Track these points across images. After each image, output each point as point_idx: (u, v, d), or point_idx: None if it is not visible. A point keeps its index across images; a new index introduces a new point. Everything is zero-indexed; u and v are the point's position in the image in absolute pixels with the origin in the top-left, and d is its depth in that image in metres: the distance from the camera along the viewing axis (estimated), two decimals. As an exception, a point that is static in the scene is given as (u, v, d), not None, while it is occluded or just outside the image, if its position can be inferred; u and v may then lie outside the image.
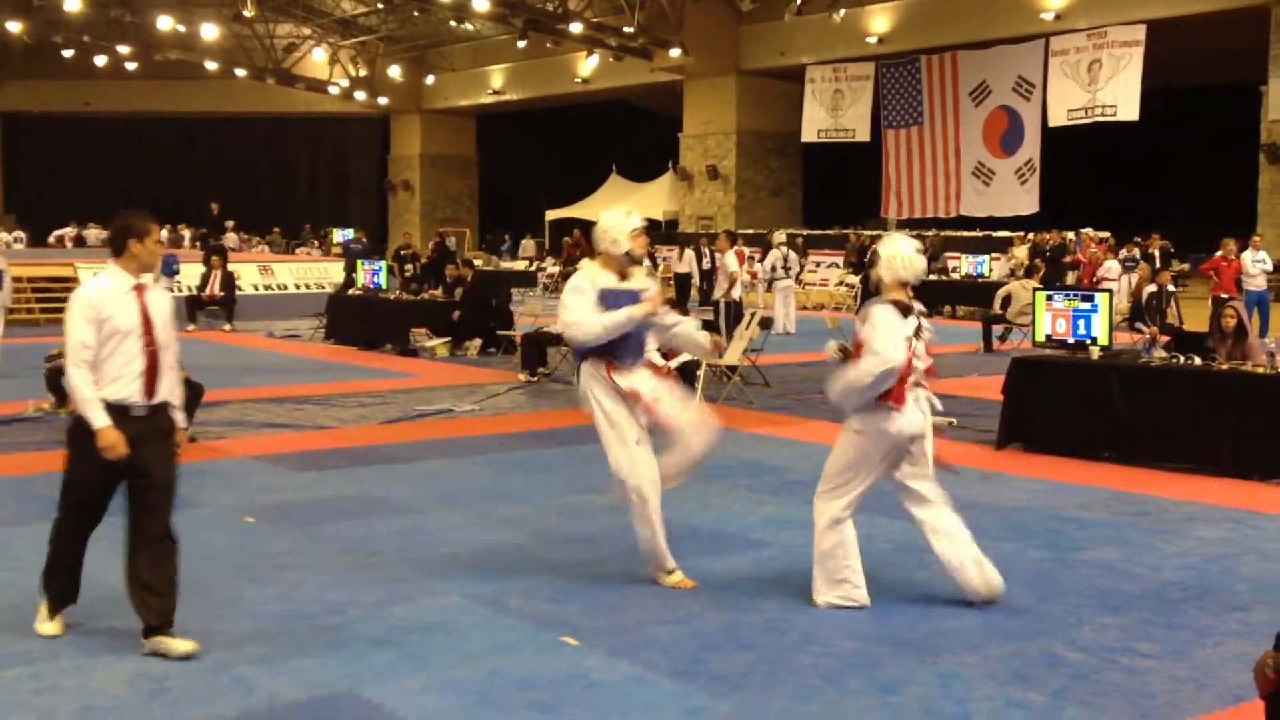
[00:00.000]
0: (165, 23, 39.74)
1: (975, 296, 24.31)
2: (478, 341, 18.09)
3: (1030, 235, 27.60)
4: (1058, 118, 27.92)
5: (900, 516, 8.02)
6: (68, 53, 41.90)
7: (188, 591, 6.26)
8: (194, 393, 10.70)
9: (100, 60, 42.20)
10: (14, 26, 38.58)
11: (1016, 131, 29.60)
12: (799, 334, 20.87)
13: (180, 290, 23.15)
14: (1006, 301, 18.75)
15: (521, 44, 35.29)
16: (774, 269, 22.34)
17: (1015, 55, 29.34)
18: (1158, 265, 21.41)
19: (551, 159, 44.49)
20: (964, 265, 27.26)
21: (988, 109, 30.31)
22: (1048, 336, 10.57)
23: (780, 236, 23.91)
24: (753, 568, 6.90)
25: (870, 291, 13.77)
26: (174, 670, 5.22)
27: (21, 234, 38.71)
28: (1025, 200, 29.59)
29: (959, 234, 30.11)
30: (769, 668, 5.33)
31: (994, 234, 29.16)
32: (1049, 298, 10.65)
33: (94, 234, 37.58)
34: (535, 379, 15.03)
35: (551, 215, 42.20)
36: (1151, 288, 16.28)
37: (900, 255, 6.29)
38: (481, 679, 5.18)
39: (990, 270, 25.88)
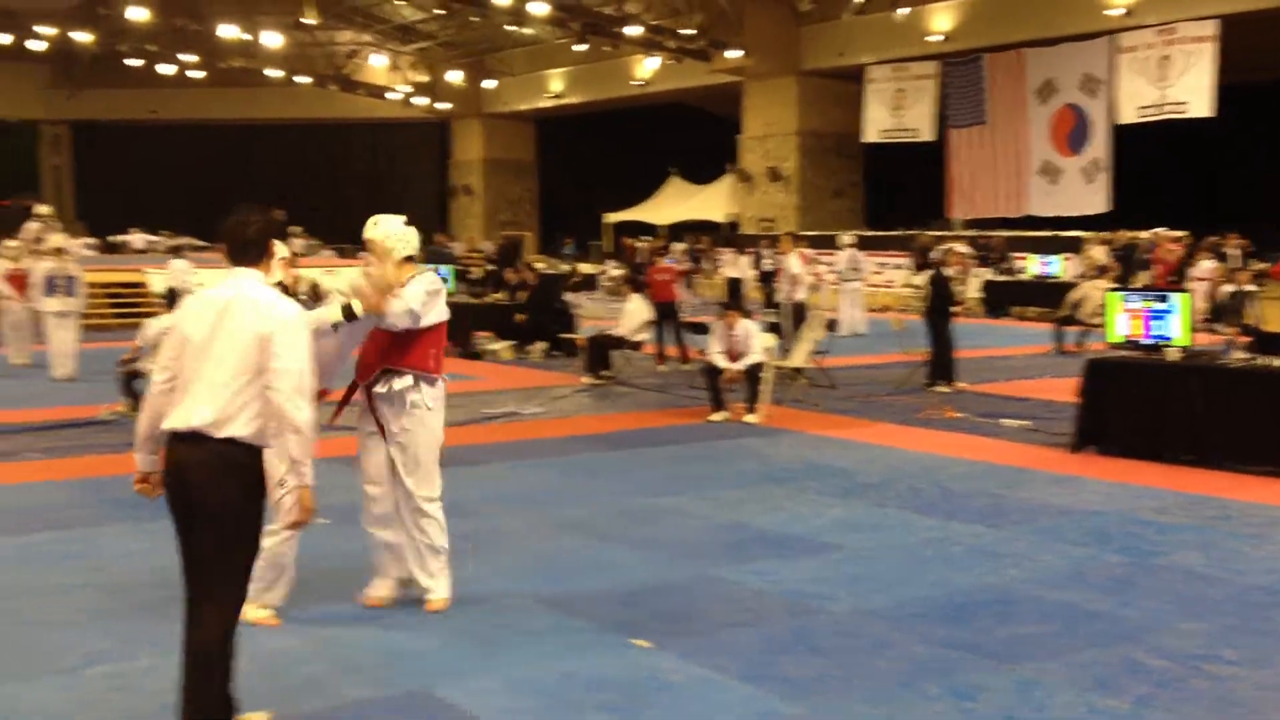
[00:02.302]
0: (229, 31, 40.18)
1: (1045, 297, 23.99)
2: (541, 345, 18.12)
3: (1108, 235, 27.18)
4: (1127, 115, 27.47)
5: (978, 520, 7.95)
6: (134, 62, 42.50)
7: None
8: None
9: (166, 69, 42.77)
10: (82, 37, 39.20)
11: (1084, 129, 29.15)
12: (868, 335, 20.76)
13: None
14: (1078, 304, 18.47)
15: (580, 48, 35.31)
16: (842, 270, 22.31)
17: (1082, 52, 28.89)
18: (1238, 265, 21.04)
19: (610, 162, 44.48)
20: (1033, 265, 26.90)
21: (1054, 107, 29.88)
22: (1124, 337, 10.38)
23: (848, 238, 23.76)
24: (822, 570, 6.82)
25: (939, 293, 13.61)
26: (251, 669, 5.24)
27: (92, 240, 39.33)
28: (1094, 199, 29.13)
29: (1026, 234, 29.73)
30: (841, 672, 5.26)
31: (1062, 234, 28.75)
32: (1124, 298, 10.46)
33: (141, 239, 38.12)
34: (599, 382, 15.01)
35: (611, 218, 42.22)
36: (1230, 287, 15.96)
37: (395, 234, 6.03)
38: (554, 680, 5.16)
39: (1063, 270, 25.53)
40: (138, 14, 36.76)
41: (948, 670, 5.28)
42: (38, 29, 38.49)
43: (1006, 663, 5.37)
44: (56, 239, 19.49)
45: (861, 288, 22.75)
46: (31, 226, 20.95)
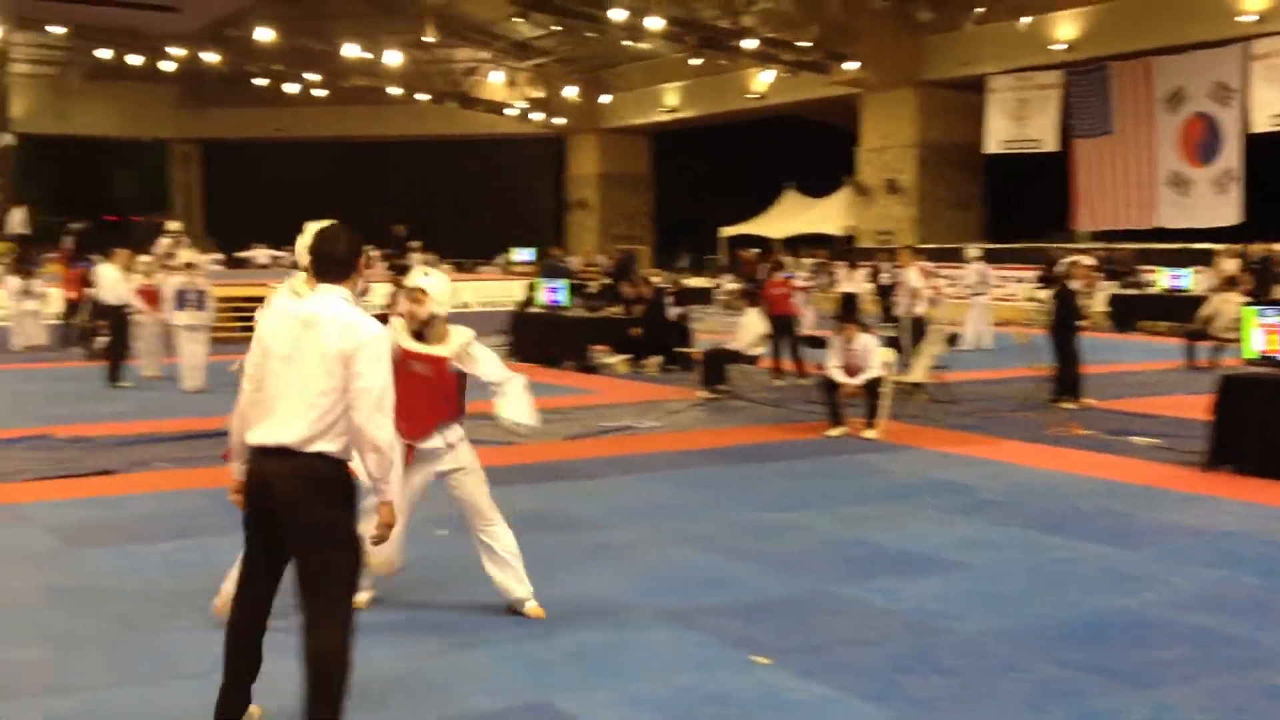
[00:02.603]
0: (352, 50, 41.05)
1: (1175, 311, 23.37)
2: (657, 358, 18.13)
3: (1240, 247, 26.38)
4: (1260, 124, 26.68)
5: (1107, 539, 7.74)
6: (261, 81, 43.65)
7: (380, 604, 6.38)
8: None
9: (291, 88, 43.84)
10: (211, 58, 40.38)
11: (1215, 139, 28.38)
12: (992, 350, 20.43)
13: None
14: (1210, 318, 17.96)
15: (695, 62, 35.33)
16: (970, 284, 22.05)
17: (1212, 60, 28.14)
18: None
19: (725, 175, 44.42)
20: (1162, 278, 26.21)
21: (1183, 116, 29.16)
22: (1260, 353, 10.03)
23: (974, 251, 23.41)
24: (946, 589, 6.69)
25: (1064, 307, 13.28)
26: (373, 676, 5.30)
27: (219, 255, 40.44)
28: (1226, 210, 28.33)
29: (1155, 246, 28.99)
30: (967, 693, 5.16)
31: (1192, 246, 27.98)
32: (1260, 313, 10.12)
33: (265, 254, 39.06)
34: (715, 396, 14.96)
35: (726, 232, 42.18)
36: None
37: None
38: (672, 694, 5.13)
39: (1194, 284, 24.82)
40: (265, 35, 37.76)
41: (1077, 693, 5.14)
42: (169, 50, 39.74)
43: (1139, 687, 5.22)
44: (187, 254, 20.06)
45: (989, 302, 22.41)
46: (163, 242, 21.57)
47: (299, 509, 4.31)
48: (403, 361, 5.88)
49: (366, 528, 4.60)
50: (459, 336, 6.26)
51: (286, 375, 4.39)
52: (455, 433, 6.31)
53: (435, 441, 6.22)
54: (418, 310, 6.13)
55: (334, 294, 4.49)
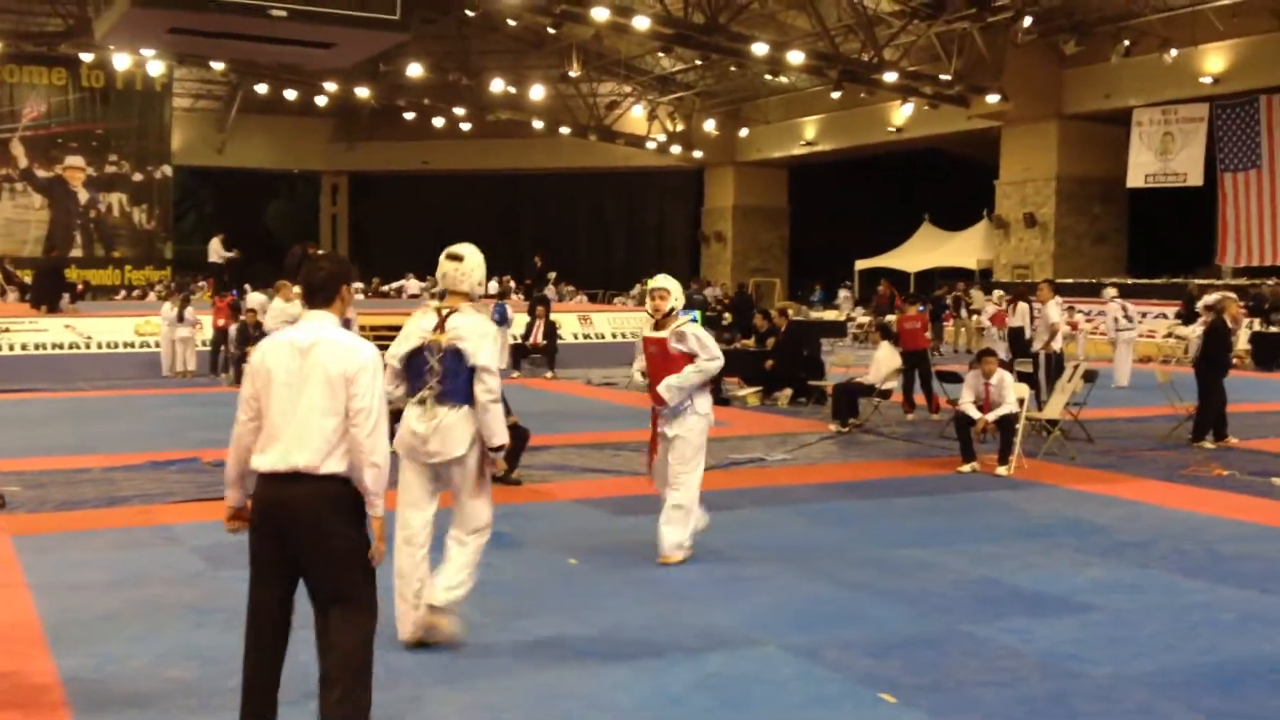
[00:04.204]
0: (498, 85, 41.94)
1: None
2: (788, 391, 18.13)
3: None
4: None
5: (1249, 584, 7.56)
6: (409, 115, 44.81)
7: (513, 628, 6.53)
8: (520, 437, 11.18)
9: (438, 122, 44.91)
10: (363, 92, 41.61)
11: (1363, 174, 27.50)
12: (1130, 388, 19.98)
13: (508, 339, 24.28)
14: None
15: (835, 95, 35.33)
16: (1116, 320, 21.58)
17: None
18: None
19: (862, 208, 44.22)
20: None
21: (1333, 150, 28.30)
22: None
23: (1111, 291, 22.89)
24: (1081, 631, 6.60)
25: (1217, 343, 13.03)
26: (504, 703, 5.45)
27: (361, 285, 41.50)
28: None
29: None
30: (1100, 738, 5.10)
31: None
32: None
33: (415, 285, 39.90)
34: (847, 429, 14.92)
35: (861, 265, 41.94)
36: None
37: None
38: (800, 730, 5.16)
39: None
40: (415, 70, 38.80)
41: (1214, 742, 5.05)
42: (323, 85, 41.06)
43: (1279, 738, 5.10)
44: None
45: (1133, 338, 21.82)
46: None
47: (318, 529, 4.54)
48: (645, 346, 8.22)
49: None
50: (679, 322, 8.00)
51: (290, 401, 4.59)
52: (688, 402, 7.97)
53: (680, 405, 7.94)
54: (661, 305, 8.00)
55: (323, 319, 4.74)
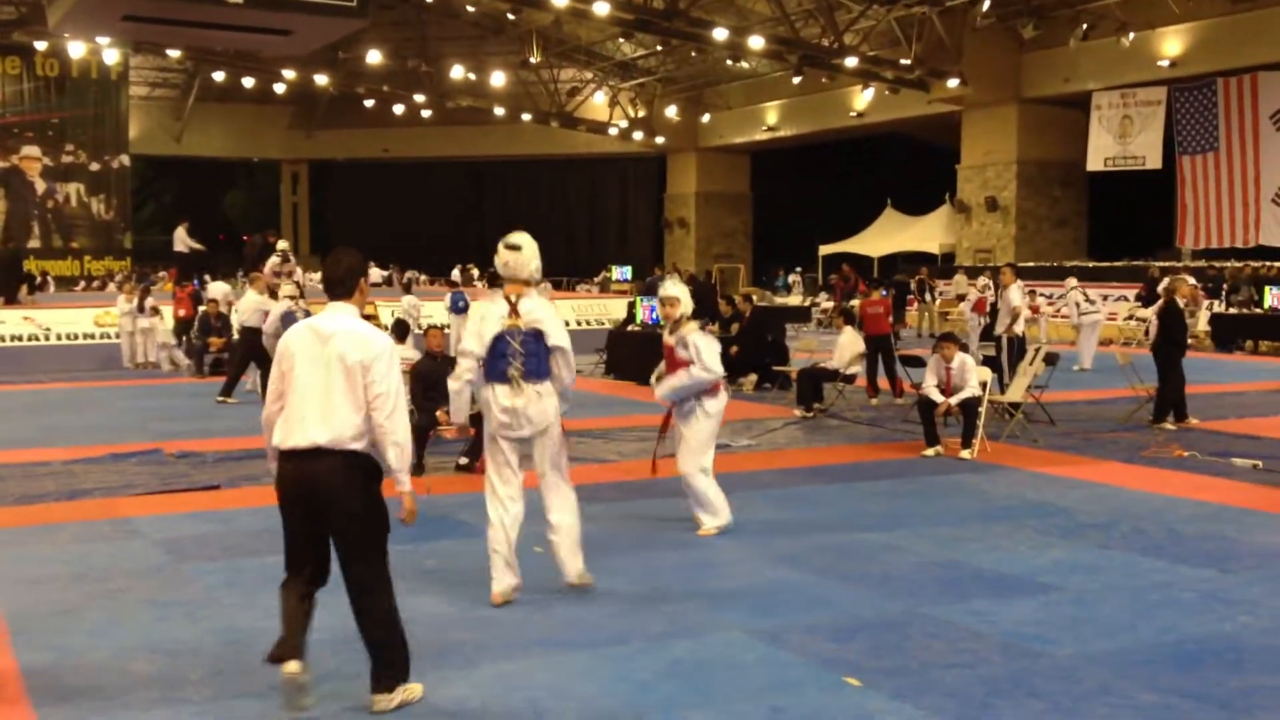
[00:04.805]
0: (457, 72, 41.72)
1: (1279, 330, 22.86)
2: (753, 377, 18.17)
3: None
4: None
5: (1208, 564, 7.64)
6: (369, 102, 44.52)
7: (478, 618, 6.53)
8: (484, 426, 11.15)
9: (398, 109, 44.65)
10: (322, 80, 41.30)
11: (1320, 156, 27.79)
12: (1092, 370, 20.12)
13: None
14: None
15: (796, 80, 35.37)
16: (1077, 304, 21.63)
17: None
18: None
19: (825, 193, 44.34)
20: (1268, 298, 25.61)
21: (1290, 132, 28.56)
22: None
23: (1072, 282, 22.83)
24: (1042, 612, 6.65)
25: (1172, 325, 13.13)
26: (469, 694, 5.44)
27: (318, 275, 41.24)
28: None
29: (1258, 264, 28.33)
30: (1061, 718, 5.14)
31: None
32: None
33: (377, 274, 39.60)
34: (811, 414, 14.98)
35: (825, 250, 42.04)
36: None
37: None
38: (764, 715, 5.18)
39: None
40: (374, 57, 38.54)
41: (1173, 720, 5.10)
42: (281, 73, 40.71)
43: (1235, 713, 5.16)
44: (292, 280, 20.55)
45: (1101, 320, 21.74)
46: (272, 260, 22.09)
47: (339, 498, 4.96)
48: (663, 349, 8.63)
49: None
50: (685, 329, 8.48)
51: (311, 385, 5.02)
52: (693, 401, 8.49)
53: (688, 403, 8.48)
54: (671, 312, 8.54)
55: (343, 310, 5.16)
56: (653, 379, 8.96)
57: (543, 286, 7.29)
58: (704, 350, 8.40)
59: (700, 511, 8.60)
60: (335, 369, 5.00)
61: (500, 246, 6.84)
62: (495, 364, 6.74)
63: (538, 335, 6.74)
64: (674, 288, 8.67)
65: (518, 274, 6.80)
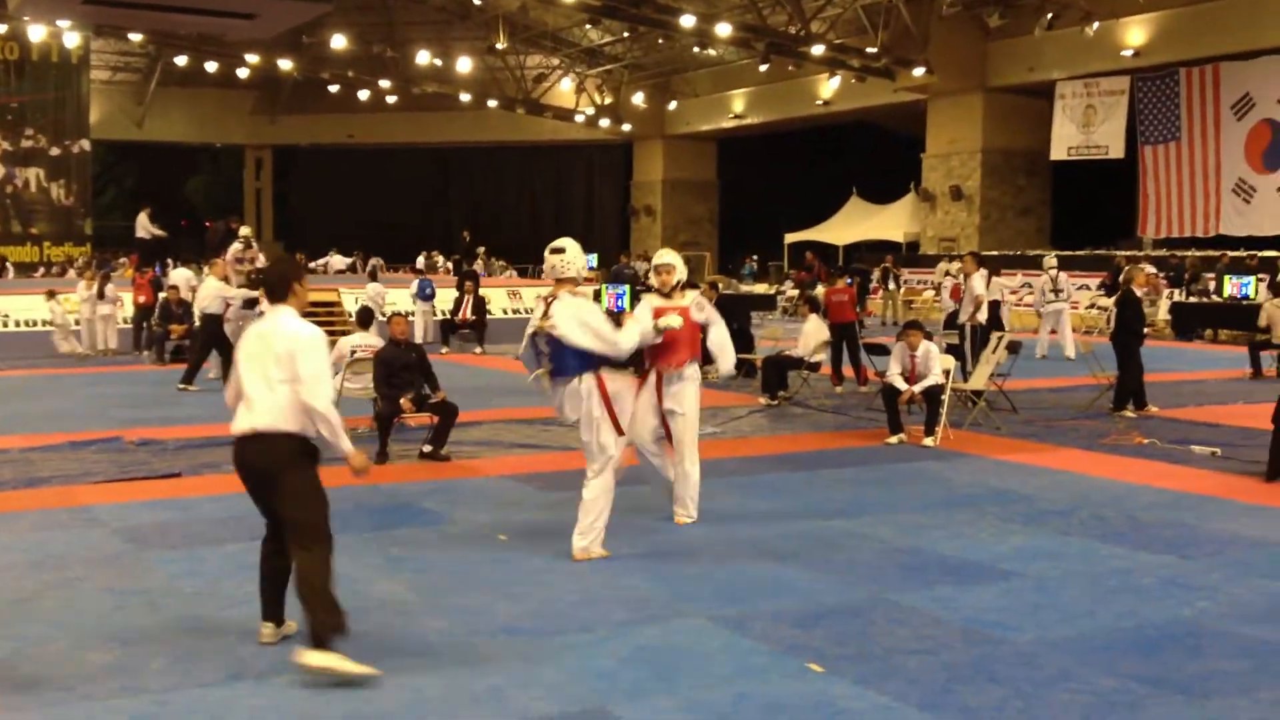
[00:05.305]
0: (423, 57, 41.49)
1: (1240, 320, 23.05)
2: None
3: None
4: (1326, 131, 26.33)
5: (1167, 550, 7.71)
6: (334, 88, 44.22)
7: (442, 606, 6.51)
8: (449, 413, 11.13)
9: (363, 94, 44.37)
10: (286, 64, 40.98)
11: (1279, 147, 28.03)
12: (1052, 358, 20.21)
13: (435, 315, 24.10)
14: (1269, 326, 17.74)
15: (763, 68, 35.39)
16: (1044, 293, 21.49)
17: (1280, 66, 27.79)
18: None
19: (791, 181, 44.42)
20: (1227, 287, 25.83)
21: (1250, 123, 28.80)
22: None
23: (1051, 260, 22.67)
24: (1004, 599, 6.70)
25: (1129, 314, 13.22)
26: (432, 681, 5.42)
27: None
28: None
29: (1217, 254, 28.56)
30: (1022, 703, 5.17)
31: (1261, 254, 27.53)
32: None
33: (341, 261, 39.43)
34: (776, 402, 15.01)
35: (791, 238, 42.13)
36: None
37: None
38: (729, 702, 5.19)
39: (1255, 292, 24.46)
40: (339, 42, 38.27)
41: (1133, 705, 5.14)
42: (245, 57, 40.36)
43: (1195, 699, 5.21)
44: (255, 266, 20.42)
45: (1067, 310, 21.55)
46: (235, 246, 21.91)
47: (273, 476, 5.59)
48: (657, 316, 8.09)
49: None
50: (690, 295, 8.58)
51: (251, 376, 5.65)
52: (692, 369, 8.46)
53: (686, 371, 8.40)
54: (668, 279, 8.45)
55: (282, 311, 5.74)
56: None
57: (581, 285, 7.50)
58: (716, 315, 8.72)
59: (688, 505, 8.59)
60: (269, 361, 5.59)
61: (546, 251, 7.44)
62: (539, 360, 7.42)
63: (559, 339, 7.24)
64: (669, 255, 8.72)
65: (563, 275, 7.36)
